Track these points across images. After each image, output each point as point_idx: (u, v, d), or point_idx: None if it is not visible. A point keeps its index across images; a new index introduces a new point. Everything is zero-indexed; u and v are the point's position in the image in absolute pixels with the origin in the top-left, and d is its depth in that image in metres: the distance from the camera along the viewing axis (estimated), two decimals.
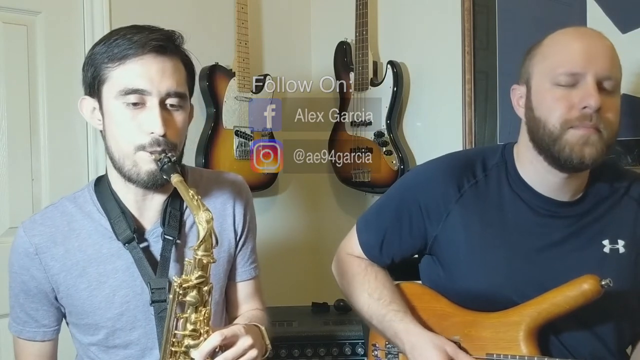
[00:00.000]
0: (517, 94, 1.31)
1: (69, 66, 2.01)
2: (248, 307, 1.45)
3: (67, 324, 1.36)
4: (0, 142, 1.89)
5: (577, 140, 1.19)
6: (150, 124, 1.18)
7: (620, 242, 1.27)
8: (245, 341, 1.17)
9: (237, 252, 1.42)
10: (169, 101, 1.21)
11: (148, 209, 1.30)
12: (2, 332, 1.58)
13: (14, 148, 1.91)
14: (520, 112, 1.31)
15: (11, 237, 1.75)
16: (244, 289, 1.45)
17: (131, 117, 1.19)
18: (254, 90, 2.42)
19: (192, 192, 1.13)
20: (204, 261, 1.13)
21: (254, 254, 1.47)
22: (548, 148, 1.22)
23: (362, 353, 1.99)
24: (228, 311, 1.45)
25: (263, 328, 1.29)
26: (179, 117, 1.23)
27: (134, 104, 1.19)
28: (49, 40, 1.97)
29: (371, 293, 1.38)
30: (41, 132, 1.96)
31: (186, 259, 1.16)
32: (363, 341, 1.96)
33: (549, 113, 1.21)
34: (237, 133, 2.35)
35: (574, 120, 1.18)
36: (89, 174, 2.06)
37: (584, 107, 1.17)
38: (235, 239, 1.40)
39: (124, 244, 1.27)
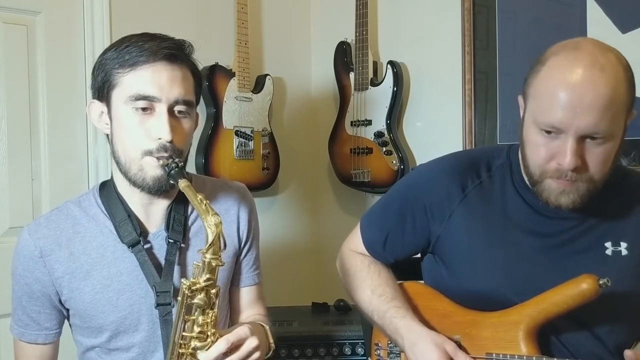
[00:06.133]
0: (521, 105, 1.27)
1: (69, 66, 2.01)
2: (251, 312, 1.46)
3: (70, 325, 1.36)
4: (0, 142, 1.89)
5: (553, 189, 1.19)
6: (158, 129, 1.20)
7: (623, 244, 1.26)
8: (250, 343, 1.18)
9: (241, 258, 1.43)
10: (177, 108, 1.23)
11: (154, 213, 1.31)
12: (3, 333, 1.58)
13: (14, 148, 1.91)
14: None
15: (11, 237, 1.77)
16: (246, 295, 1.46)
17: (139, 123, 1.21)
18: (253, 90, 2.42)
19: (200, 196, 1.14)
20: (213, 264, 1.14)
21: (258, 261, 1.48)
22: (532, 185, 1.24)
23: (362, 353, 1.99)
24: (231, 317, 1.46)
25: (267, 327, 1.30)
26: (186, 124, 1.25)
27: (143, 109, 1.21)
28: (49, 40, 1.97)
29: (374, 289, 1.38)
30: (41, 132, 1.97)
31: (194, 262, 1.17)
32: (363, 341, 1.96)
33: (531, 155, 1.21)
34: (237, 133, 2.36)
35: (551, 172, 1.18)
36: (89, 174, 2.06)
37: (559, 163, 1.15)
38: (240, 245, 1.42)
39: (129, 247, 1.27)
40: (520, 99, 1.27)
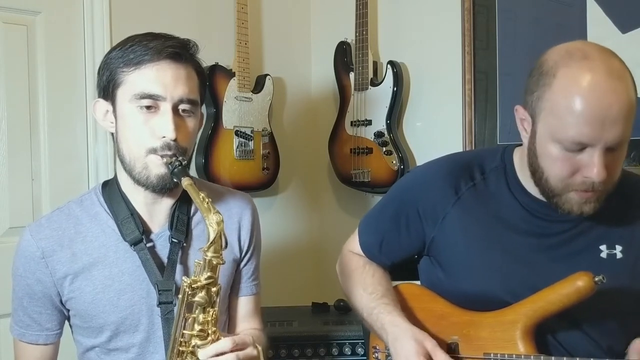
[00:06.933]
0: (521, 116, 1.24)
1: (69, 66, 2.01)
2: (247, 325, 1.45)
3: (70, 326, 1.36)
4: (0, 142, 1.89)
5: (577, 200, 1.18)
6: (162, 128, 1.21)
7: (618, 247, 1.26)
8: (253, 350, 1.19)
9: (241, 267, 1.43)
10: (182, 107, 1.24)
11: (157, 212, 1.32)
12: (3, 333, 1.58)
13: (14, 148, 1.91)
14: (524, 138, 1.25)
15: (11, 237, 1.77)
16: (244, 305, 1.46)
17: (144, 121, 1.22)
18: (253, 90, 2.42)
19: (202, 194, 1.15)
20: (214, 262, 1.14)
21: (257, 272, 1.48)
22: (548, 197, 1.22)
23: (362, 353, 1.99)
24: (228, 327, 1.46)
25: (261, 349, 1.30)
26: (190, 122, 1.26)
27: (147, 108, 1.21)
28: (49, 40, 1.97)
29: (365, 288, 1.39)
30: (41, 132, 1.97)
31: (195, 260, 1.17)
32: (363, 341, 1.96)
33: (551, 170, 1.18)
34: (237, 133, 2.36)
35: (576, 185, 1.16)
36: (89, 174, 2.06)
37: (587, 176, 1.14)
38: (240, 254, 1.42)
39: (131, 245, 1.28)
40: (521, 110, 1.24)
